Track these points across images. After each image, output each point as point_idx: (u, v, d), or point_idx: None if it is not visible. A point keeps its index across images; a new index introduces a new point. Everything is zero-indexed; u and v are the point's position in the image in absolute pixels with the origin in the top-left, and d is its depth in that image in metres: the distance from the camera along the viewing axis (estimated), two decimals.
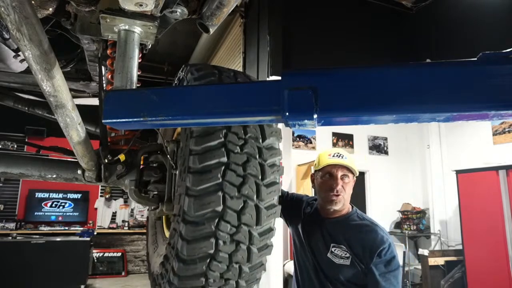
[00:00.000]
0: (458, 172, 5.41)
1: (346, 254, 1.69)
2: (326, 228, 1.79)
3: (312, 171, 1.92)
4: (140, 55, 1.29)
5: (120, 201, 8.81)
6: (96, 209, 8.60)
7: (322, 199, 1.82)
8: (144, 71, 1.54)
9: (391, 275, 1.63)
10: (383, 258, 1.64)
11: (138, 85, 1.27)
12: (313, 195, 2.02)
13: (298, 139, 6.10)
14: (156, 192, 1.54)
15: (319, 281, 1.75)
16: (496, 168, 4.91)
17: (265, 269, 1.36)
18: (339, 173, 1.73)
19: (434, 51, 6.00)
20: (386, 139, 6.79)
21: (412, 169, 6.79)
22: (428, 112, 0.65)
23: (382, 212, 6.45)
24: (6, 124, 6.98)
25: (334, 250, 1.73)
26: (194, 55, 6.69)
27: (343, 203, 1.75)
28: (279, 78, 0.71)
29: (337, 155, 1.75)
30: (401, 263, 5.36)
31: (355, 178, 1.82)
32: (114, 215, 8.73)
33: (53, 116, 1.92)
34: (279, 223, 1.31)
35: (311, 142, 6.18)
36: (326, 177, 1.77)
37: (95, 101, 2.59)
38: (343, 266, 1.68)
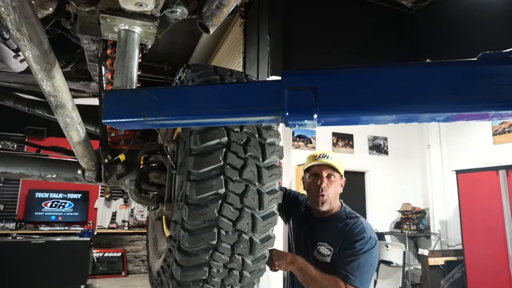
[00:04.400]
0: (458, 172, 5.41)
1: (328, 252, 1.76)
2: (315, 227, 1.87)
3: (302, 173, 2.02)
4: (140, 55, 1.29)
5: (120, 201, 8.81)
6: (96, 209, 8.60)
7: (311, 199, 1.91)
8: (144, 71, 1.54)
9: (353, 258, 1.64)
10: (353, 244, 1.68)
11: (138, 85, 1.27)
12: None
13: (298, 139, 6.10)
14: (156, 192, 1.54)
15: None
16: (496, 168, 4.91)
17: (265, 270, 1.36)
18: (324, 173, 1.83)
19: (434, 51, 6.01)
20: (386, 139, 6.79)
21: (412, 169, 6.79)
22: (428, 112, 0.65)
23: (382, 212, 6.46)
24: (6, 124, 6.99)
25: (319, 248, 1.80)
26: (194, 55, 6.71)
27: (329, 203, 1.83)
28: (279, 78, 0.71)
29: (322, 156, 1.86)
30: (401, 263, 5.39)
31: (343, 179, 1.90)
32: (114, 215, 8.74)
33: (53, 116, 1.92)
34: (278, 227, 1.29)
35: (311, 142, 6.18)
36: (313, 177, 1.87)
37: (95, 101, 2.59)
38: (324, 263, 1.74)
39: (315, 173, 1.86)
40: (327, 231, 1.81)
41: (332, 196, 1.83)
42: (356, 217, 1.82)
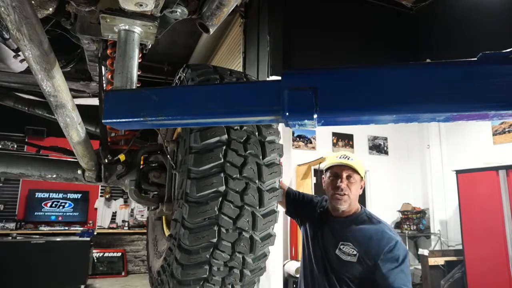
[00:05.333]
0: (458, 172, 5.41)
1: (353, 251, 1.76)
2: (336, 226, 1.88)
3: (323, 172, 2.04)
4: (140, 55, 1.29)
5: (120, 201, 8.81)
6: (96, 209, 8.60)
7: (330, 199, 1.92)
8: (144, 71, 1.54)
9: (398, 270, 1.68)
10: (390, 255, 1.70)
11: (138, 85, 1.27)
12: (314, 194, 2.08)
13: (298, 139, 6.10)
14: (156, 192, 1.54)
15: (327, 277, 1.82)
16: (496, 168, 4.91)
17: (265, 269, 1.36)
18: (344, 173, 1.85)
19: (434, 51, 6.00)
20: (386, 139, 6.79)
21: (412, 169, 6.79)
22: (428, 112, 0.65)
23: (382, 212, 6.44)
24: (6, 124, 6.99)
25: (343, 247, 1.81)
26: (194, 55, 6.71)
27: (349, 203, 1.85)
28: (279, 78, 0.71)
29: (343, 157, 1.88)
30: None
31: (363, 181, 1.92)
32: (114, 215, 8.74)
33: (53, 116, 1.92)
34: (278, 227, 1.29)
35: (311, 142, 6.18)
36: (332, 177, 1.89)
37: (95, 101, 2.59)
38: (349, 263, 1.76)
39: (335, 174, 1.88)
40: (350, 231, 1.82)
41: (352, 196, 1.84)
42: (378, 218, 1.86)
